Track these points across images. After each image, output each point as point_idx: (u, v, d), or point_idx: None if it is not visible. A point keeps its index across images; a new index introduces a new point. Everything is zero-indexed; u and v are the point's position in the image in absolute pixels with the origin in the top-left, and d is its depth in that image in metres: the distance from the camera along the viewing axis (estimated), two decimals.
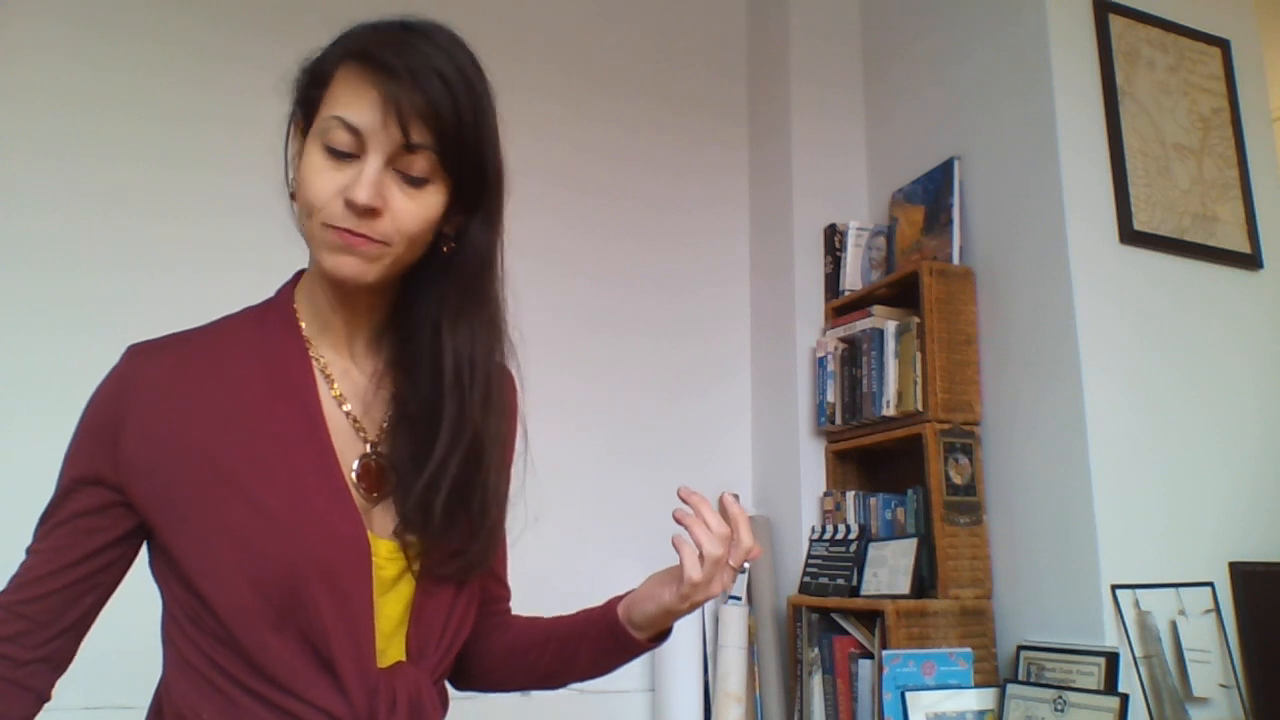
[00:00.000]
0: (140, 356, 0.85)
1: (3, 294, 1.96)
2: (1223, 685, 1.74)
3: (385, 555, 0.83)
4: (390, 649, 0.84)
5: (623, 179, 2.63)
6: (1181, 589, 1.77)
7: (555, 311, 2.43)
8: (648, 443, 2.50)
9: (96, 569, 0.83)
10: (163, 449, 0.80)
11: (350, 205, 0.76)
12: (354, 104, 0.78)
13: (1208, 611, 1.78)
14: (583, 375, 2.45)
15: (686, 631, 2.28)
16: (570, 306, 2.48)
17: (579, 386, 2.43)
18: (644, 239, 2.62)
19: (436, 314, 0.86)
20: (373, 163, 0.77)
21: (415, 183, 0.79)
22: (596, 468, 2.41)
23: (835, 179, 2.58)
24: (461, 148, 0.80)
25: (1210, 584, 1.80)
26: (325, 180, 0.78)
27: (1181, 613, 1.74)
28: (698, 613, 2.30)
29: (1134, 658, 1.67)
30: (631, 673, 2.36)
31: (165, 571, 0.82)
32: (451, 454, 0.85)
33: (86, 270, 2.02)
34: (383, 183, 0.78)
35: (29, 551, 0.84)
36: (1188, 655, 1.71)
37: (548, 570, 2.30)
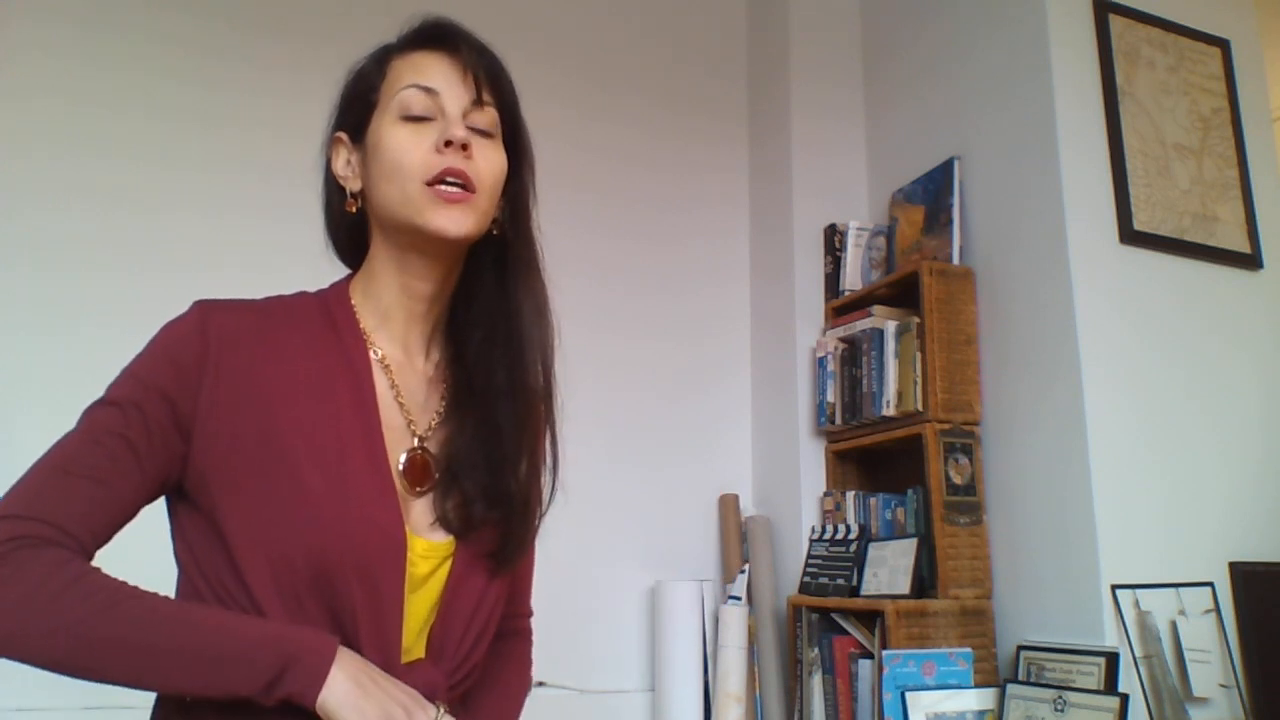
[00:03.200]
0: (216, 311, 0.84)
1: (3, 293, 1.96)
2: (1223, 685, 1.74)
3: (419, 553, 0.83)
4: (415, 648, 0.84)
5: (622, 178, 2.63)
6: (1181, 589, 1.77)
7: (554, 311, 2.43)
8: (648, 443, 2.50)
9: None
10: (233, 408, 0.80)
11: (449, 144, 0.83)
12: (424, 72, 0.87)
13: (1208, 611, 1.78)
14: (582, 375, 2.42)
15: (686, 631, 2.28)
16: (569, 306, 2.46)
17: (578, 386, 2.41)
18: (644, 238, 2.62)
19: (508, 285, 0.92)
20: (453, 112, 0.86)
21: (486, 134, 0.88)
22: (596, 467, 2.41)
23: (835, 179, 2.58)
24: (513, 111, 0.92)
25: (1210, 584, 1.80)
26: (412, 144, 0.84)
27: (1181, 613, 1.74)
28: (698, 613, 2.30)
29: (1134, 658, 1.67)
30: (631, 673, 2.36)
31: (202, 541, 0.80)
32: (519, 439, 0.89)
33: (87, 269, 2.02)
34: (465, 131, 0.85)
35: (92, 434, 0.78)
36: (1188, 655, 1.71)
37: (546, 570, 2.30)
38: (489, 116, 0.88)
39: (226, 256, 2.11)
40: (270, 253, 2.00)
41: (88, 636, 0.71)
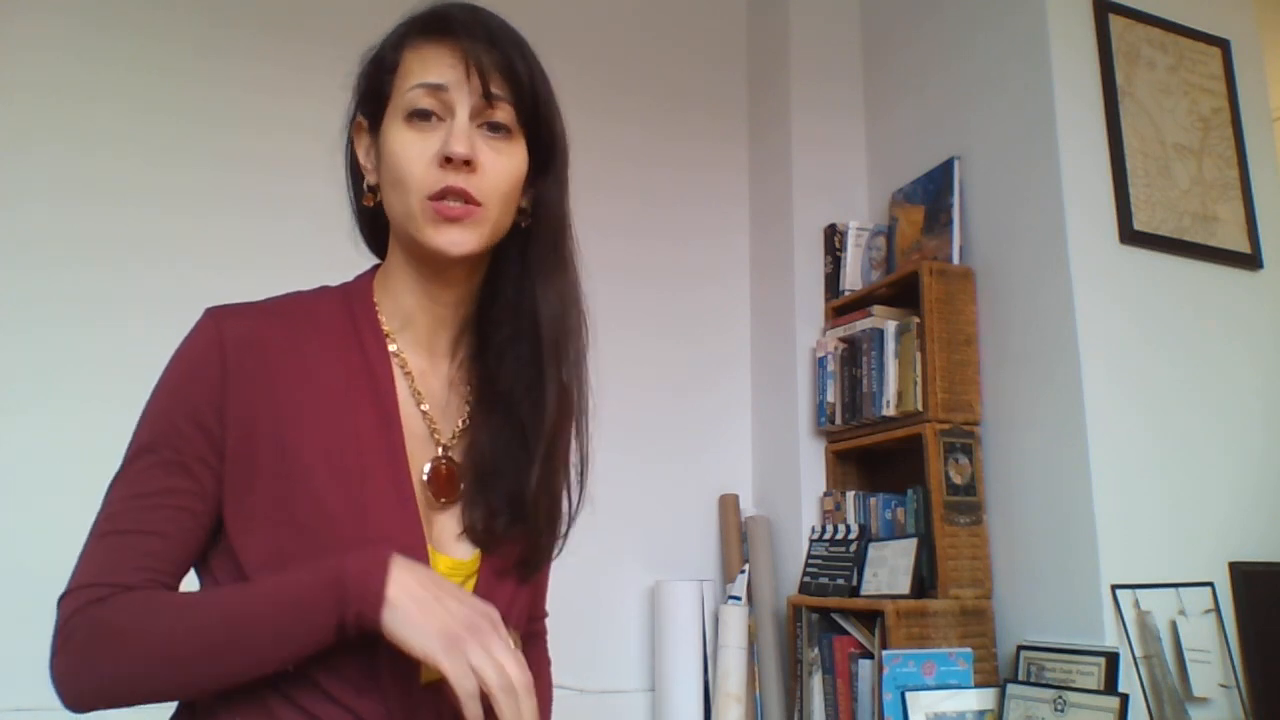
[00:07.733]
0: (230, 317, 0.81)
1: (5, 290, 1.96)
2: (1223, 685, 1.74)
3: (443, 571, 0.80)
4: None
5: (621, 175, 2.62)
6: (1181, 589, 1.77)
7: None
8: (648, 443, 2.49)
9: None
10: (250, 425, 0.77)
11: (449, 160, 0.78)
12: (432, 68, 0.81)
13: (1208, 611, 1.78)
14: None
15: (686, 631, 2.28)
16: None
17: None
18: (643, 236, 2.62)
19: (530, 281, 0.87)
20: (460, 115, 0.80)
21: (499, 131, 0.82)
22: (596, 467, 2.40)
23: (835, 178, 2.58)
24: (534, 102, 0.84)
25: (1210, 584, 1.80)
26: (415, 150, 0.80)
27: (1181, 613, 1.74)
28: (698, 613, 2.30)
29: (1134, 658, 1.67)
30: (631, 673, 2.36)
31: (219, 558, 0.78)
32: (540, 442, 0.86)
33: (89, 267, 2.01)
34: (473, 138, 0.80)
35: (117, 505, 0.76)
36: (1188, 655, 1.71)
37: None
38: (503, 112, 0.82)
39: (229, 253, 2.10)
40: (273, 250, 2.01)
41: (166, 656, 0.71)
